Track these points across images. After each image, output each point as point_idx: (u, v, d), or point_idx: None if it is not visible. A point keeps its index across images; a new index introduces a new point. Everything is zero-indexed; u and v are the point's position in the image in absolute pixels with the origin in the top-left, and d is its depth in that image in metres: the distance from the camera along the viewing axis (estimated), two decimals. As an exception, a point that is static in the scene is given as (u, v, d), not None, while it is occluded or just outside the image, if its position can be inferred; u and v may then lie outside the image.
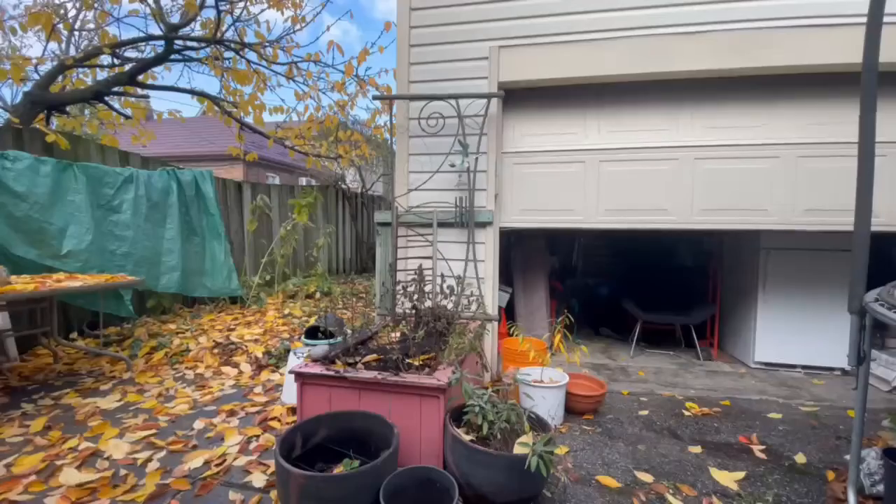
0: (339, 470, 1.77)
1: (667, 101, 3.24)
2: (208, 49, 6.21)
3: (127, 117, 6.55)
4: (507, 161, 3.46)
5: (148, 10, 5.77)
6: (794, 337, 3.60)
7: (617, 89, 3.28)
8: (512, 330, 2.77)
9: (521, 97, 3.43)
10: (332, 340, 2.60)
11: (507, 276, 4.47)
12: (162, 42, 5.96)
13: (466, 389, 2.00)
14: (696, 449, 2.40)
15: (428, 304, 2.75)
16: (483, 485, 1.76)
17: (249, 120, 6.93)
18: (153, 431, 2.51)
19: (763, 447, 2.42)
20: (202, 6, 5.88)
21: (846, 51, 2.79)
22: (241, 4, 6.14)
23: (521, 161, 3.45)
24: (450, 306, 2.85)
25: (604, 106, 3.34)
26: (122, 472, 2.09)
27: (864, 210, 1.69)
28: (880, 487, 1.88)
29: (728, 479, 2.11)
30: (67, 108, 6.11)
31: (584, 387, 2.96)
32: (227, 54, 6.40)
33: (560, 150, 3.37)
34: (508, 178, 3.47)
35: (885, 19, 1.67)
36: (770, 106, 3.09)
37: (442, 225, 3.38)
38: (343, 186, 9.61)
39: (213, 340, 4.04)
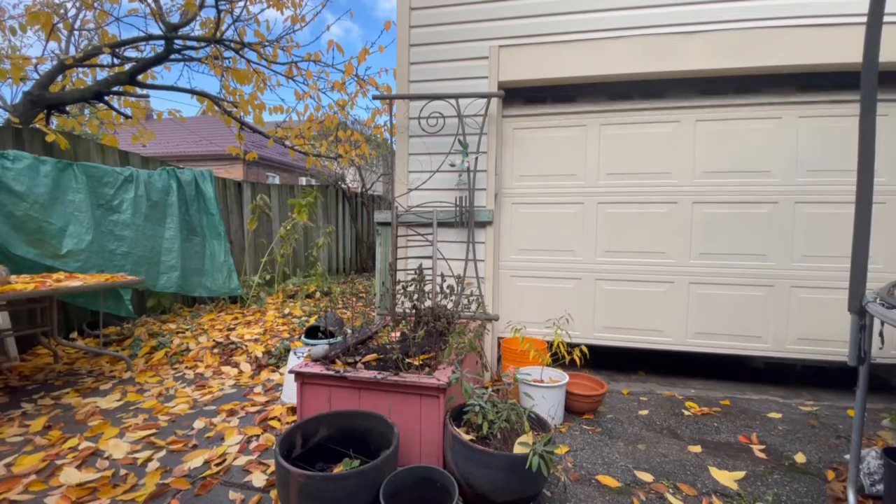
0: (338, 469, 1.77)
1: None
2: (208, 49, 6.21)
3: (127, 117, 6.55)
4: (503, 274, 3.52)
5: (148, 10, 5.78)
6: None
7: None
8: (512, 329, 2.77)
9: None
10: (331, 340, 2.60)
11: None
12: (162, 42, 5.96)
13: (466, 389, 2.00)
14: (696, 448, 2.41)
15: (428, 303, 2.75)
16: (483, 484, 1.76)
17: (249, 119, 6.93)
18: (153, 431, 2.51)
19: (763, 447, 2.42)
20: (202, 6, 5.88)
21: (846, 51, 2.80)
22: (241, 4, 6.14)
23: (517, 274, 3.52)
24: (450, 306, 2.85)
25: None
26: (122, 471, 2.09)
27: (865, 209, 1.69)
28: (880, 487, 1.89)
29: (728, 478, 2.11)
30: (67, 108, 6.11)
31: (583, 386, 2.96)
32: (227, 54, 6.40)
33: (553, 273, 3.45)
34: (505, 288, 3.53)
35: (885, 19, 1.67)
36: (768, 230, 3.11)
37: (442, 224, 3.38)
38: (343, 186, 9.62)
39: (213, 340, 4.04)
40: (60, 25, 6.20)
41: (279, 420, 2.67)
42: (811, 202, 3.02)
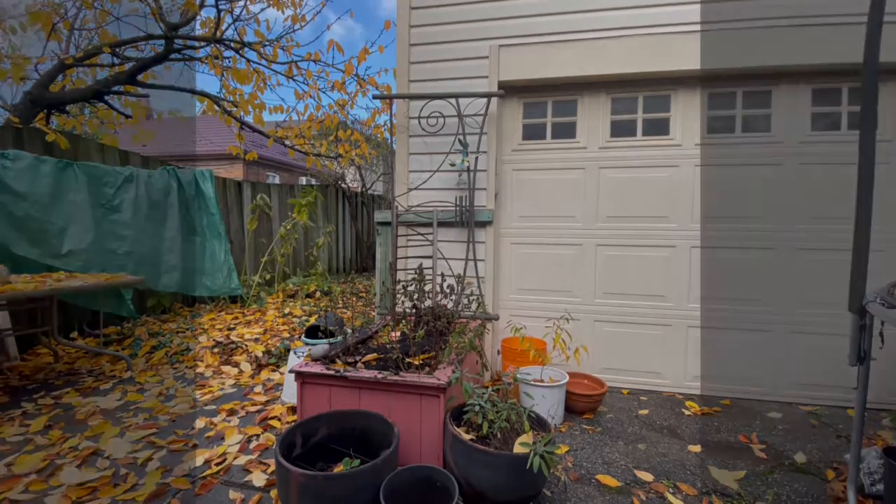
0: (339, 469, 1.77)
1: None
2: (208, 48, 6.21)
3: (127, 116, 6.54)
4: (503, 314, 3.49)
5: (148, 10, 5.77)
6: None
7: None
8: (512, 329, 2.77)
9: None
10: (332, 340, 2.60)
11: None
12: (162, 41, 5.96)
13: (466, 388, 2.00)
14: (696, 448, 2.41)
15: (428, 303, 2.75)
16: (483, 484, 1.76)
17: (249, 119, 6.93)
18: (153, 431, 2.51)
19: (763, 446, 2.43)
20: (202, 5, 5.88)
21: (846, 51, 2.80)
22: (241, 3, 6.14)
23: (516, 314, 3.49)
24: (450, 305, 2.85)
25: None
26: (123, 471, 2.10)
27: (865, 209, 1.69)
28: (880, 486, 1.89)
29: (728, 478, 2.11)
30: (67, 108, 6.11)
31: (583, 386, 2.96)
32: (227, 53, 6.40)
33: (553, 315, 3.35)
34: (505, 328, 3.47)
35: (885, 18, 1.67)
36: (768, 274, 3.09)
37: (442, 224, 3.38)
38: (343, 186, 9.62)
39: (213, 340, 4.04)
40: (60, 25, 6.20)
41: (279, 420, 2.67)
42: (811, 248, 3.02)
